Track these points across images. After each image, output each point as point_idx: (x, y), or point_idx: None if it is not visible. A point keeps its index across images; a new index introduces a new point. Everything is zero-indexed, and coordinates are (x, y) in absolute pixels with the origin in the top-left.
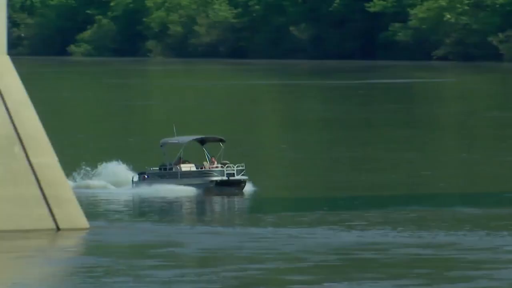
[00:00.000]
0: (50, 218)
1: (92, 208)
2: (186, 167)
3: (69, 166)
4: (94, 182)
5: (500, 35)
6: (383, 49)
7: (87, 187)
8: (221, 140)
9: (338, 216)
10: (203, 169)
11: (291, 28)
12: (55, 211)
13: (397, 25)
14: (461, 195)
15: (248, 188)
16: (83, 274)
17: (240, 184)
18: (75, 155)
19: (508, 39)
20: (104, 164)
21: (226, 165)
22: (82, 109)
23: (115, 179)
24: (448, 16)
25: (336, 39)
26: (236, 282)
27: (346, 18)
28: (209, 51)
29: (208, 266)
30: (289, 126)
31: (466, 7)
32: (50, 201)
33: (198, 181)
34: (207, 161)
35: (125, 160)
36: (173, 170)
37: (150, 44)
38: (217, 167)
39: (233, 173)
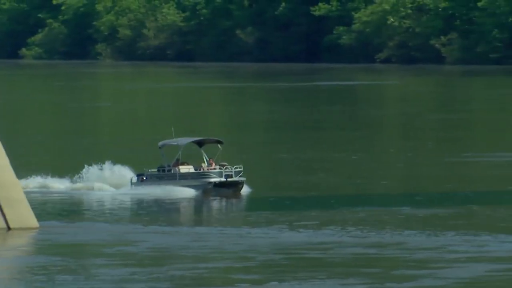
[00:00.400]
0: (1, 218)
1: (68, 208)
2: (184, 169)
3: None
4: (97, 184)
5: (442, 38)
6: (327, 52)
7: (90, 188)
8: (219, 142)
9: (286, 216)
10: (201, 171)
11: (238, 32)
12: (6, 211)
13: (341, 28)
14: (407, 195)
15: (246, 189)
16: (33, 273)
17: (237, 185)
18: (31, 157)
19: (450, 42)
20: (105, 165)
21: (225, 167)
22: (33, 111)
23: (115, 181)
24: (391, 19)
25: (281, 42)
26: (184, 281)
27: (291, 21)
28: (157, 54)
29: (157, 265)
30: (236, 128)
31: (409, 11)
32: (1, 202)
33: (196, 182)
34: (205, 163)
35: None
36: (172, 171)
37: (100, 47)
38: (215, 168)
39: (231, 175)
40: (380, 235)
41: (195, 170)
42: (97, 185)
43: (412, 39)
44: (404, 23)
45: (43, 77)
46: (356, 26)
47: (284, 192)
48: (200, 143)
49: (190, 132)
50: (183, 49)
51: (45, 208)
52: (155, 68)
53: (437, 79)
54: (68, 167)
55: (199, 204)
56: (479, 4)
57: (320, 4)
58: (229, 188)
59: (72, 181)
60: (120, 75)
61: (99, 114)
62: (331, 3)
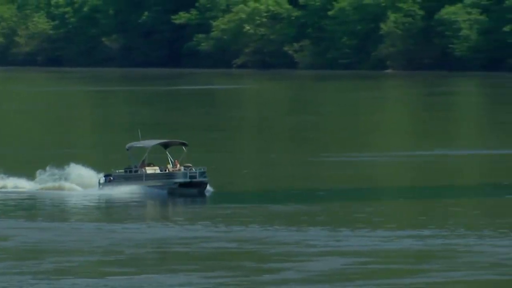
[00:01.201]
0: None
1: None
2: (150, 170)
3: None
4: (66, 184)
5: (295, 44)
6: (188, 58)
7: (60, 188)
8: (183, 144)
9: (159, 213)
10: (167, 172)
11: (104, 39)
12: None
13: (200, 35)
14: (269, 193)
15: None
16: None
17: (202, 185)
18: None
19: (302, 49)
20: (70, 166)
21: (189, 168)
22: None
23: (82, 181)
24: (248, 27)
25: (145, 49)
26: (55, 272)
27: (153, 29)
28: (28, 60)
29: (29, 258)
30: (102, 129)
31: (264, 19)
32: None
33: (162, 183)
34: (170, 164)
35: None
36: (138, 172)
37: None
38: (180, 169)
39: (196, 175)
40: (244, 230)
41: (161, 171)
42: (67, 185)
43: (266, 46)
44: (259, 30)
45: None
46: (214, 34)
47: None
48: (165, 145)
49: (57, 134)
50: (53, 55)
51: None
52: (26, 73)
53: (291, 83)
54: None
55: (85, 201)
56: (330, 13)
57: (180, 13)
58: (193, 188)
59: (38, 182)
60: None
61: None
62: (191, 12)
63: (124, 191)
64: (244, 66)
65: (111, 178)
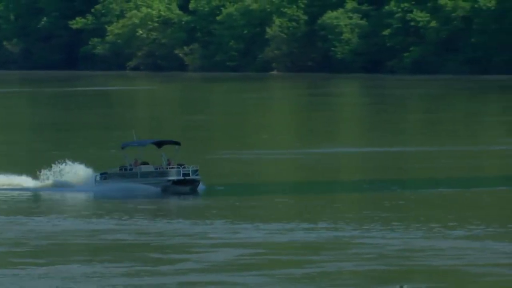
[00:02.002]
0: None
1: None
2: (145, 168)
3: None
4: (62, 181)
5: (185, 48)
6: (84, 61)
7: (56, 186)
8: (176, 143)
9: (67, 206)
10: (161, 170)
11: (5, 43)
12: None
13: (96, 39)
14: None
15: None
16: None
17: (194, 183)
18: None
19: (192, 52)
20: (67, 164)
21: (182, 166)
22: None
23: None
24: (140, 32)
25: (43, 52)
26: None
27: (52, 34)
28: None
29: None
30: (3, 129)
31: (156, 24)
32: None
33: (156, 180)
34: (164, 162)
35: None
36: (133, 170)
37: None
38: (173, 167)
39: (189, 173)
40: (149, 224)
41: (155, 169)
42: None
43: (158, 49)
44: (152, 35)
45: None
46: (109, 38)
47: None
48: (159, 144)
49: None
50: None
51: None
52: None
53: (181, 85)
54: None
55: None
56: (218, 18)
57: (77, 18)
58: (186, 185)
59: (40, 180)
60: None
61: None
62: (87, 17)
63: (119, 188)
64: (137, 68)
65: (106, 176)
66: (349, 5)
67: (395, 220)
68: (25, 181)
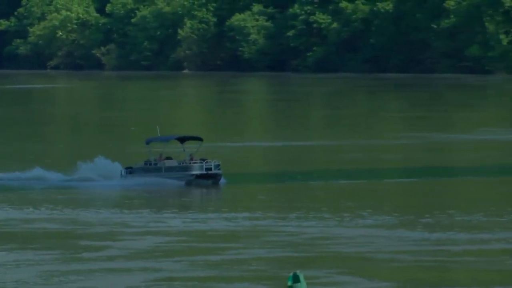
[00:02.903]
0: None
1: None
2: (169, 163)
3: None
4: (89, 175)
5: (102, 48)
6: (8, 61)
7: (84, 179)
8: (199, 139)
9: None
10: (184, 164)
11: None
12: None
13: (19, 40)
14: None
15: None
16: None
17: (216, 177)
18: None
19: (108, 52)
20: (94, 159)
21: (205, 161)
22: None
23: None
24: (60, 33)
25: None
26: None
27: None
28: None
29: None
30: None
31: (75, 26)
32: None
33: (180, 174)
34: (187, 157)
35: None
36: (158, 165)
37: None
38: (196, 162)
39: (211, 168)
40: (75, 213)
41: (178, 163)
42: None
43: (77, 49)
44: (71, 36)
45: None
46: (31, 39)
47: None
48: (182, 140)
49: None
50: None
51: None
52: None
53: (99, 83)
54: None
55: None
56: (133, 20)
57: (1, 20)
58: (208, 179)
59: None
60: None
61: None
62: (10, 19)
63: (144, 182)
64: (58, 67)
65: (132, 170)
66: (256, 8)
67: (309, 210)
68: None
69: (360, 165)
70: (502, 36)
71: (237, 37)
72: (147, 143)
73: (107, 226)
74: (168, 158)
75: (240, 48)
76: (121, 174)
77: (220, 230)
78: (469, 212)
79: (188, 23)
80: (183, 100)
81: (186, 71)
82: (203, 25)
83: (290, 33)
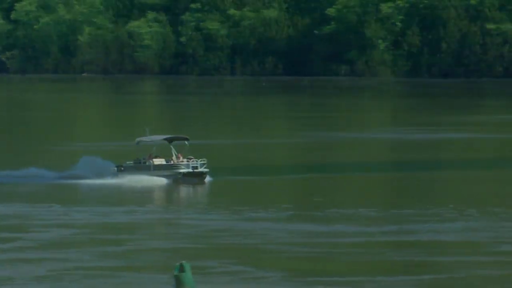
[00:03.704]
0: None
1: None
2: (157, 161)
3: None
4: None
5: (7, 53)
6: None
7: (75, 177)
8: (186, 139)
9: None
10: (172, 163)
11: None
12: None
13: None
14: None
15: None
16: None
17: (202, 175)
18: None
19: (13, 56)
20: (84, 158)
21: (191, 160)
22: None
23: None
24: None
25: None
26: None
27: None
28: None
29: None
30: None
31: None
32: None
33: (168, 172)
34: (174, 156)
35: None
36: (147, 163)
37: None
38: (182, 161)
39: (197, 166)
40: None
41: (166, 162)
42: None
43: None
44: None
45: None
46: None
47: None
48: (170, 140)
49: None
50: None
51: None
52: None
53: (5, 86)
54: None
55: None
56: (36, 27)
57: None
58: (195, 177)
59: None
60: None
61: None
62: None
63: (134, 179)
64: None
65: (122, 168)
66: (150, 16)
67: (210, 205)
68: None
69: (255, 162)
70: (380, 41)
71: (132, 42)
72: (137, 143)
73: (17, 219)
74: (157, 157)
75: (135, 53)
76: (111, 172)
77: (122, 223)
78: (357, 206)
79: (86, 29)
80: (84, 101)
81: (85, 74)
82: (101, 31)
83: (183, 39)
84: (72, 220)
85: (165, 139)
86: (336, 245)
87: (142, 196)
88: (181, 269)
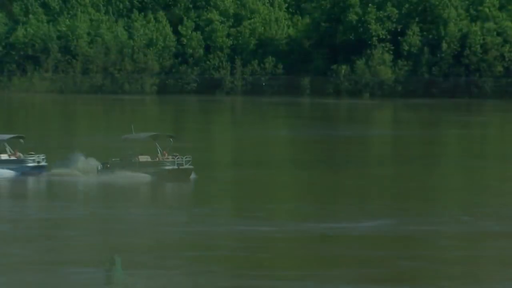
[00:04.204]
0: None
1: None
2: (143, 158)
3: None
4: (66, 170)
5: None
6: None
7: (60, 175)
8: (171, 136)
9: None
10: (157, 160)
11: None
12: None
13: None
14: None
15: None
16: None
17: (187, 171)
18: None
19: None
20: (69, 155)
21: (176, 157)
22: None
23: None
24: None
25: None
26: None
27: None
28: None
29: None
30: None
31: None
32: None
33: (153, 169)
34: (159, 153)
35: None
36: (133, 160)
37: None
38: (168, 158)
39: (182, 163)
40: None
41: (152, 159)
42: (68, 171)
43: None
44: None
45: None
46: None
47: None
48: (155, 137)
49: None
50: None
51: None
52: None
53: None
54: None
55: None
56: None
57: None
58: (180, 174)
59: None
60: None
61: None
62: None
63: (120, 176)
64: None
65: (108, 165)
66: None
67: (148, 202)
68: None
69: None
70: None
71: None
72: (124, 140)
73: None
74: (142, 154)
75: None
76: (97, 169)
77: (58, 219)
78: (295, 202)
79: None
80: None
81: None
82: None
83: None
84: (22, 216)
85: (150, 136)
86: (273, 240)
87: (116, 192)
88: (112, 263)
